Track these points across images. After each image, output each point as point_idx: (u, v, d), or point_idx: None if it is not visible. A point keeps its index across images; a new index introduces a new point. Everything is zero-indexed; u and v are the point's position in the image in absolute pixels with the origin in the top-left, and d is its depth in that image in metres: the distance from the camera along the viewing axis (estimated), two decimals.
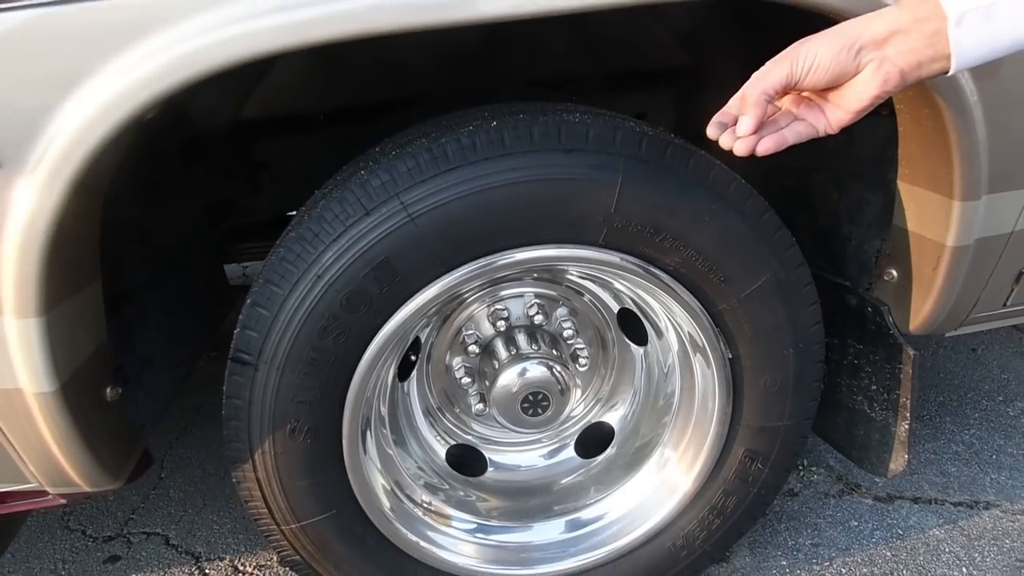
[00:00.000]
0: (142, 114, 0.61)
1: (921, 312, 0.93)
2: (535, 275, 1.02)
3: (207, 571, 1.33)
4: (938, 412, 1.58)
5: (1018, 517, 1.27)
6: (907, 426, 1.01)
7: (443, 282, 0.81)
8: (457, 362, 1.07)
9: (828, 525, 1.28)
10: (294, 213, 1.23)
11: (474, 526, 1.05)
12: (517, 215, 0.79)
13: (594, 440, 1.14)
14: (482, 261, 0.81)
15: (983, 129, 0.78)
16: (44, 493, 0.87)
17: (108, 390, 0.84)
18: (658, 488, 0.99)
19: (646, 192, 0.80)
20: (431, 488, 1.05)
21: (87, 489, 0.85)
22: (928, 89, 0.75)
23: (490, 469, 1.15)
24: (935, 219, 0.86)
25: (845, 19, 0.61)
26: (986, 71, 0.74)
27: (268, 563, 1.33)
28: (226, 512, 1.46)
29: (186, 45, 0.60)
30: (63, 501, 0.89)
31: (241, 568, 1.33)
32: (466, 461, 1.13)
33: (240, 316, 0.83)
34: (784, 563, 1.21)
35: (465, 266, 0.81)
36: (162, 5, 0.59)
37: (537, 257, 0.83)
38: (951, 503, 1.32)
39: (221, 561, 1.35)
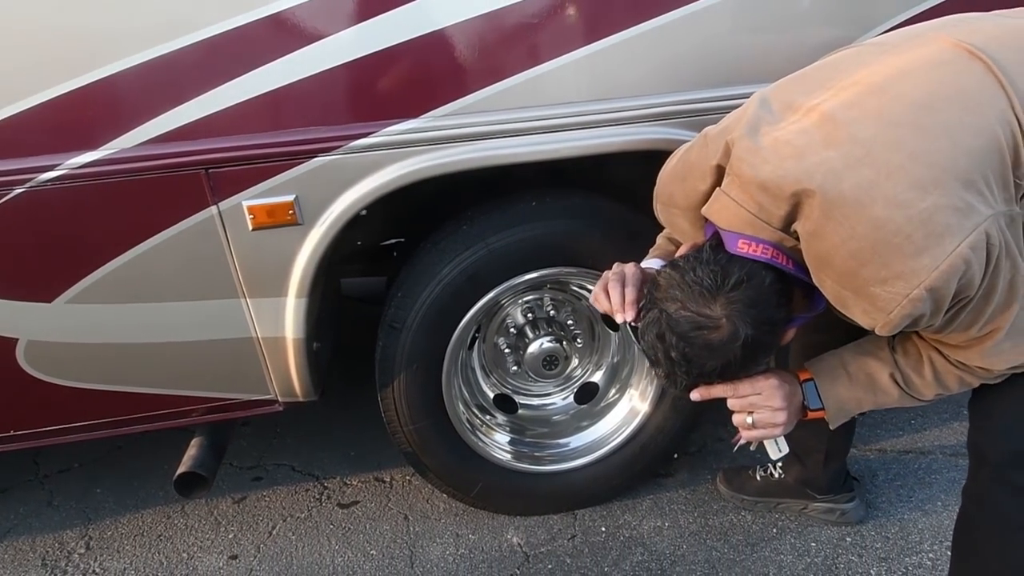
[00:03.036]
0: (372, 202, 1.30)
1: None
2: (549, 285, 1.69)
3: (326, 485, 1.98)
4: None
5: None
6: None
7: (501, 287, 1.49)
8: (501, 340, 1.74)
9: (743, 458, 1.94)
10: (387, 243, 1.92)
11: (509, 438, 1.72)
12: (541, 250, 1.47)
13: (586, 391, 1.81)
14: (524, 276, 1.49)
15: None
16: (273, 402, 1.54)
17: (315, 344, 1.51)
18: (628, 412, 1.67)
19: (611, 242, 1.49)
20: (485, 412, 1.72)
21: (301, 399, 1.52)
22: None
23: (520, 409, 1.81)
24: None
25: None
26: None
27: (365, 480, 1.98)
28: (332, 447, 2.11)
29: (395, 171, 1.29)
30: (281, 409, 1.55)
31: (347, 482, 1.98)
32: (505, 403, 1.80)
33: (390, 304, 1.51)
34: (708, 476, 1.86)
35: (514, 278, 1.49)
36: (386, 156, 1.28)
37: (552, 272, 1.51)
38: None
39: (333, 479, 2.00)
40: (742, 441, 1.09)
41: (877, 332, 0.87)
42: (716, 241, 0.93)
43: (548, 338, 1.68)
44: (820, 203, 0.83)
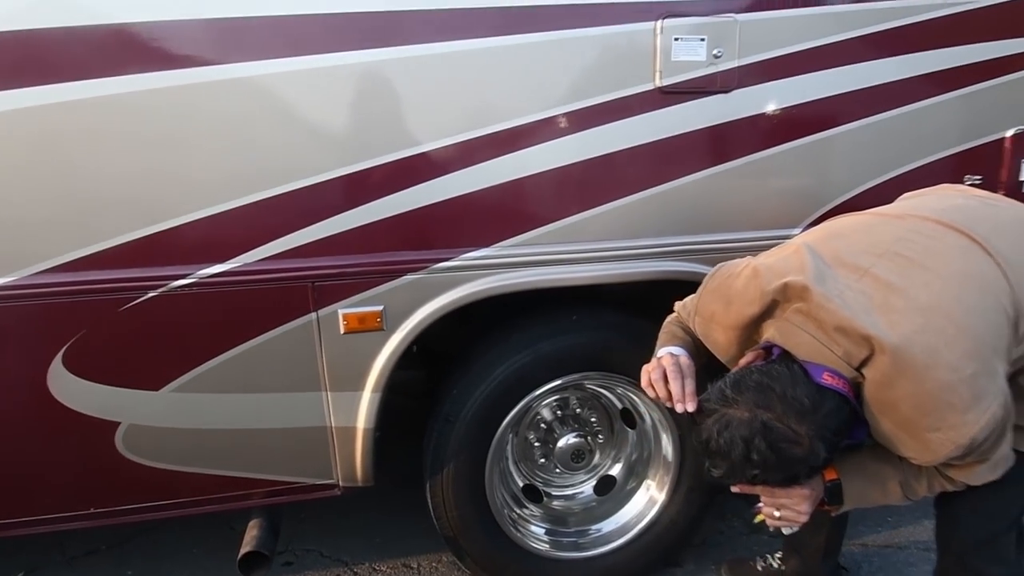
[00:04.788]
0: (446, 314, 1.55)
1: None
2: (575, 386, 1.92)
3: (356, 571, 2.08)
4: None
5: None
6: None
7: (545, 387, 1.72)
8: (531, 435, 1.94)
9: (743, 549, 2.13)
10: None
11: (545, 528, 1.89)
12: (579, 357, 1.72)
13: (605, 484, 2.01)
14: (564, 378, 1.73)
15: None
16: (334, 487, 1.70)
17: (377, 432, 1.69)
18: (647, 501, 1.88)
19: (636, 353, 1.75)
20: (517, 502, 1.90)
21: (360, 484, 1.68)
22: None
23: (545, 499, 1.99)
24: None
25: None
26: None
27: (393, 566, 2.09)
28: (357, 534, 2.22)
29: (468, 289, 1.55)
30: (339, 493, 1.70)
31: (376, 568, 2.09)
32: (534, 493, 1.98)
33: (446, 400, 1.71)
34: (712, 566, 2.04)
35: (555, 379, 1.73)
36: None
37: (584, 375, 1.75)
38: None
39: (362, 565, 2.10)
40: (759, 516, 1.27)
41: (917, 463, 1.09)
42: (790, 360, 1.08)
43: (574, 433, 1.90)
44: (892, 360, 1.00)
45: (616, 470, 2.01)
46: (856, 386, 1.07)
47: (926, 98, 1.65)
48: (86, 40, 1.28)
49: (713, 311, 1.25)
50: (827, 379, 1.04)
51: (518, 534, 1.84)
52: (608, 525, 1.92)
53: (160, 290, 1.42)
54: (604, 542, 1.89)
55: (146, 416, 1.52)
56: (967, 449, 1.03)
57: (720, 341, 1.25)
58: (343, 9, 1.37)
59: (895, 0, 1.58)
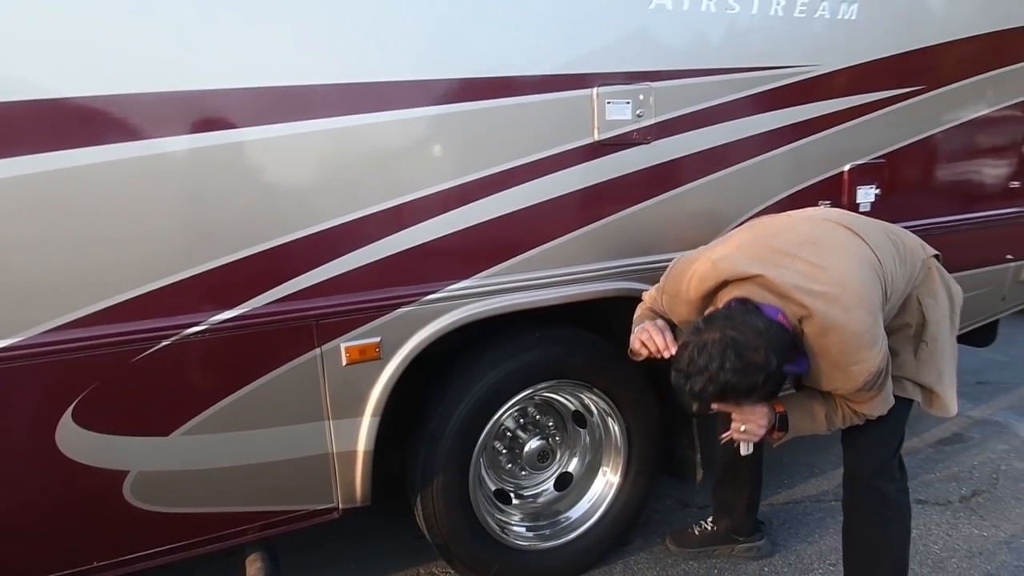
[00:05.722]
0: (434, 340, 1.75)
1: None
2: (535, 401, 2.19)
3: None
4: None
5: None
6: (699, 456, 2.28)
7: (515, 398, 1.97)
8: (498, 444, 2.18)
9: (678, 522, 2.48)
10: None
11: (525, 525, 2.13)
12: (543, 369, 1.99)
13: (564, 480, 2.28)
14: (531, 388, 1.99)
15: None
16: (333, 510, 1.82)
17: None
18: (605, 484, 2.17)
19: (590, 360, 2.06)
20: (494, 505, 2.12)
21: (359, 504, 1.82)
22: None
23: (514, 500, 2.22)
24: None
25: None
26: None
27: None
28: (332, 563, 2.30)
29: (452, 317, 1.77)
30: (338, 516, 1.83)
31: None
32: (504, 497, 2.21)
33: (432, 418, 1.91)
34: (658, 539, 2.37)
35: (523, 391, 1.98)
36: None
37: (549, 384, 2.03)
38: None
39: None
40: (726, 436, 1.66)
41: (843, 391, 1.51)
42: (746, 301, 1.46)
43: (536, 437, 2.17)
44: (822, 320, 1.41)
45: (572, 466, 2.29)
46: (796, 336, 1.47)
47: (793, 142, 2.15)
48: (118, 106, 1.38)
49: (677, 290, 1.65)
50: (780, 318, 1.44)
51: (500, 532, 2.05)
52: (575, 512, 2.20)
53: (173, 339, 1.51)
54: (573, 528, 2.16)
55: (155, 462, 1.57)
56: (874, 376, 1.46)
57: (683, 312, 1.66)
58: (340, 80, 1.57)
59: (767, 70, 2.05)
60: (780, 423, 1.62)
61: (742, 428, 1.61)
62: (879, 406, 1.59)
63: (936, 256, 1.74)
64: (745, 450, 1.74)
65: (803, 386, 1.67)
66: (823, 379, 1.52)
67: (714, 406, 1.53)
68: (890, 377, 1.57)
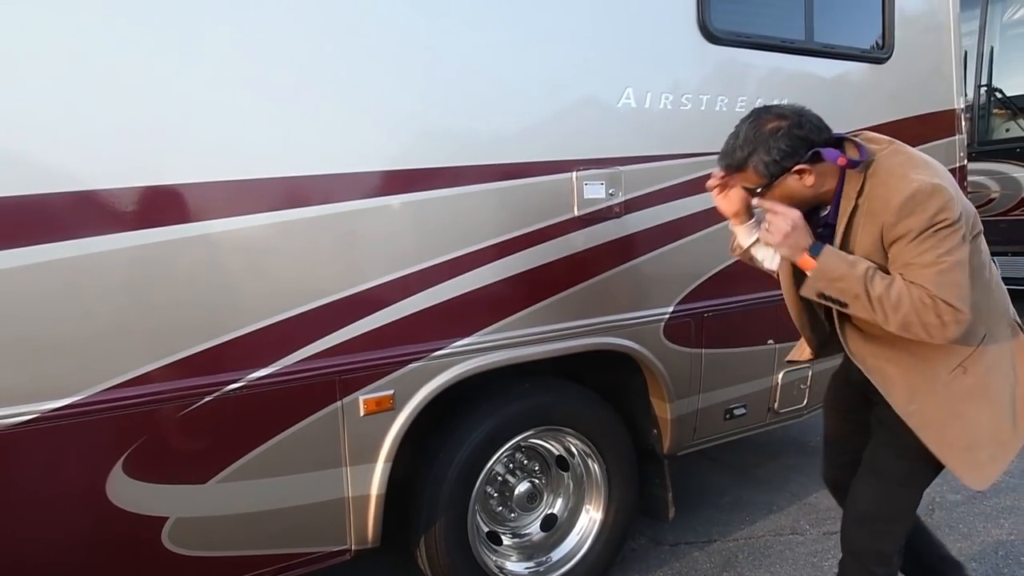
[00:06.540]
0: (432, 399, 1.98)
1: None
2: (522, 447, 2.41)
3: None
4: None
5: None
6: (671, 495, 2.52)
7: (508, 444, 2.20)
8: (489, 488, 2.38)
9: (653, 560, 2.70)
10: None
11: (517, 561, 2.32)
12: (533, 416, 2.23)
13: (549, 520, 2.49)
14: (522, 434, 2.22)
15: None
16: (346, 552, 1.98)
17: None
18: (589, 521, 2.39)
19: (572, 406, 2.31)
20: (488, 546, 2.31)
21: (370, 545, 1.99)
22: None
23: (504, 541, 2.41)
24: None
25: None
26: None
27: None
28: None
29: (456, 370, 2.01)
30: (350, 557, 1.99)
31: None
32: (496, 538, 2.40)
33: (435, 464, 2.11)
34: None
35: (515, 437, 2.21)
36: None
37: (538, 430, 2.26)
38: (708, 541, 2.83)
39: None
40: (748, 241, 1.73)
41: (888, 222, 1.42)
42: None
43: (525, 480, 2.39)
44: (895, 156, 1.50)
45: (557, 507, 2.50)
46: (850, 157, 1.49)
47: None
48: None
49: None
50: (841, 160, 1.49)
51: (499, 572, 2.24)
52: (560, 552, 2.40)
53: (215, 394, 1.70)
54: (560, 566, 2.36)
55: (192, 508, 1.73)
56: (926, 194, 1.39)
57: None
58: (358, 170, 1.85)
59: (715, 155, 2.43)
60: (814, 249, 1.50)
61: (765, 225, 1.55)
62: (939, 282, 1.38)
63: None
64: (769, 262, 1.73)
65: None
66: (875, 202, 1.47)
67: (737, 178, 1.61)
68: (966, 270, 1.42)
